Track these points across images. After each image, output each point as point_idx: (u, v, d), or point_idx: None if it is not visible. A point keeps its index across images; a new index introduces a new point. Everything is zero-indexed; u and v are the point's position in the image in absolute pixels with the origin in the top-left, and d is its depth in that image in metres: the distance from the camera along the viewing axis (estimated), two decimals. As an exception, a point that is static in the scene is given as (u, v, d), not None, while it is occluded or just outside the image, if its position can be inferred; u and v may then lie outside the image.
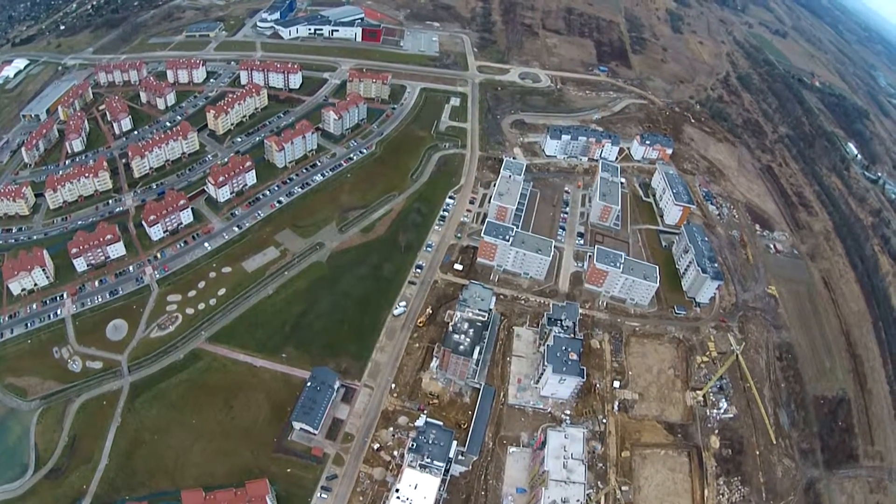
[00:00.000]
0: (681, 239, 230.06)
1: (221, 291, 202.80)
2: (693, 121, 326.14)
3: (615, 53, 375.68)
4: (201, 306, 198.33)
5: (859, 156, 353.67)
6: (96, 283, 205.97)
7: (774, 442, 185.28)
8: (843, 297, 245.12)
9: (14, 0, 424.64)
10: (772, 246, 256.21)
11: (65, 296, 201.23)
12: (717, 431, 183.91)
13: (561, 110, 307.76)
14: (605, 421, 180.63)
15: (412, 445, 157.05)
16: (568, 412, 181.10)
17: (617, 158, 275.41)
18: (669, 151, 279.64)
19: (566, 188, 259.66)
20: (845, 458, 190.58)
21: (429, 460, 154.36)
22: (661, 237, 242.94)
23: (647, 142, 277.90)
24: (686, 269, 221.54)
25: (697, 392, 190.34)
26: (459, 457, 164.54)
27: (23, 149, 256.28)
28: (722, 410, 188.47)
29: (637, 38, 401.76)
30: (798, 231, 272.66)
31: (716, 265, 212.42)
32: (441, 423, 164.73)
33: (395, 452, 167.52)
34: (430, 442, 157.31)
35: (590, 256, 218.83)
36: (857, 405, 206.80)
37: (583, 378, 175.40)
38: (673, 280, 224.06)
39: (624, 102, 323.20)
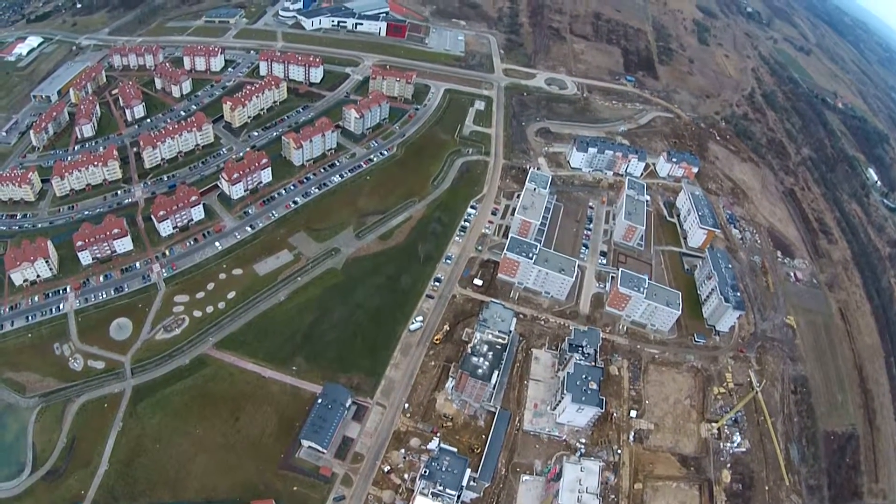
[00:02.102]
0: (704, 265, 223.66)
1: (231, 295, 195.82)
2: (718, 138, 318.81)
3: (642, 63, 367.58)
4: (209, 309, 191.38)
5: (879, 182, 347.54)
6: (101, 278, 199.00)
7: (788, 482, 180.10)
8: (858, 331, 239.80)
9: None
10: (792, 274, 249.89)
11: (68, 289, 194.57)
12: (729, 465, 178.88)
13: (587, 120, 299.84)
14: (619, 452, 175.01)
15: (425, 472, 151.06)
16: (583, 440, 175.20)
17: (642, 174, 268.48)
18: (695, 170, 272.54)
19: (590, 203, 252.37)
20: (850, 495, 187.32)
21: (441, 488, 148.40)
22: (684, 260, 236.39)
23: (674, 159, 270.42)
24: (708, 297, 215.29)
25: (712, 424, 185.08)
26: (471, 483, 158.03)
27: (31, 131, 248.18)
28: (735, 444, 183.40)
29: (664, 48, 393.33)
30: (818, 259, 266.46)
31: (738, 294, 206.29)
32: (455, 450, 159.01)
33: (406, 475, 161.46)
34: (444, 469, 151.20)
35: (612, 278, 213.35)
36: (865, 442, 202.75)
37: (602, 409, 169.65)
38: (694, 306, 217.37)
39: (650, 115, 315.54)
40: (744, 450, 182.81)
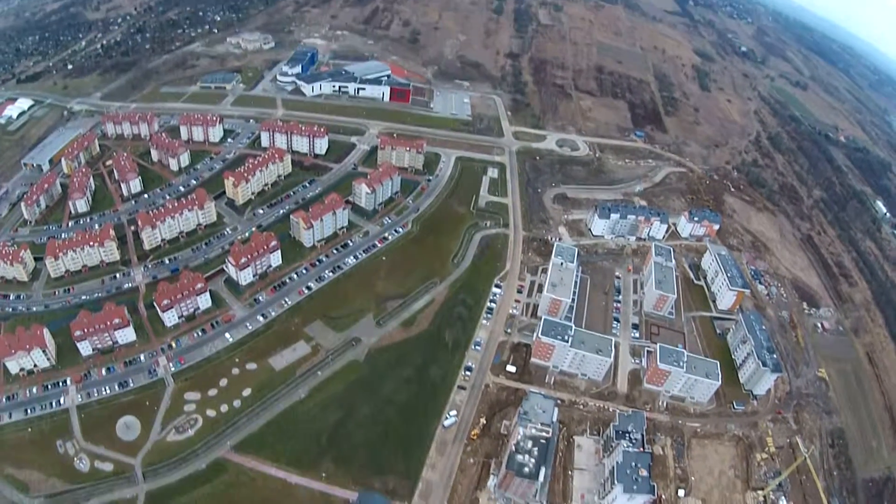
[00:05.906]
0: (738, 328, 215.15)
1: (246, 392, 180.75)
2: (732, 189, 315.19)
3: (649, 116, 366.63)
4: (224, 408, 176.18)
5: (888, 214, 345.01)
6: (103, 370, 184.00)
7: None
8: (885, 372, 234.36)
9: (22, 32, 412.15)
10: (819, 325, 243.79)
11: (68, 382, 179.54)
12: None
13: (602, 182, 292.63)
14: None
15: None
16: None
17: (664, 237, 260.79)
18: (717, 227, 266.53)
19: (616, 273, 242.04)
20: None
21: None
22: (715, 323, 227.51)
23: (695, 218, 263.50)
24: (744, 361, 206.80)
25: (759, 492, 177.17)
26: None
27: (23, 203, 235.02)
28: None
29: (668, 97, 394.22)
30: (841, 305, 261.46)
31: (775, 356, 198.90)
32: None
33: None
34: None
35: (648, 352, 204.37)
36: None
37: (654, 496, 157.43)
38: (728, 370, 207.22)
39: (664, 171, 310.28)
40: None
